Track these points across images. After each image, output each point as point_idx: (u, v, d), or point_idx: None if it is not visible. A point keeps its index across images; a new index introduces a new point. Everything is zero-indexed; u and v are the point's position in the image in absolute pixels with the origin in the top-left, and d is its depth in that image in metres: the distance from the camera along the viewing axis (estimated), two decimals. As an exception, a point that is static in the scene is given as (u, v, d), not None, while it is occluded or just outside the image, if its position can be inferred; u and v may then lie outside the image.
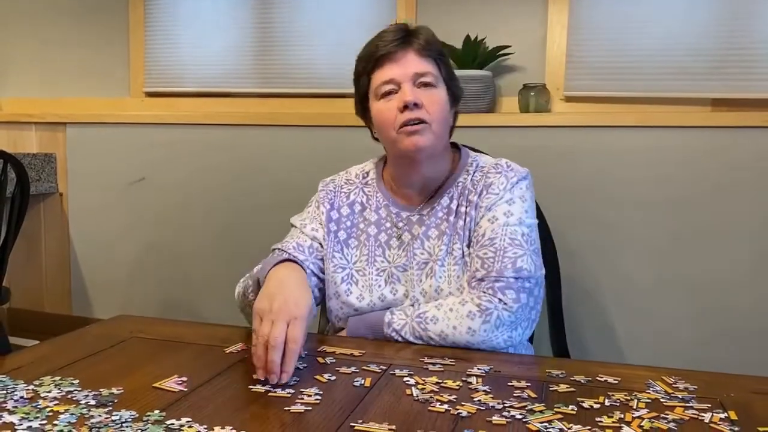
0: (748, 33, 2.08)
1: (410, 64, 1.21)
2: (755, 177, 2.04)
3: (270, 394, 0.90)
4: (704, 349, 2.11)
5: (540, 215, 1.53)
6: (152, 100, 2.79)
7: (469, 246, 1.23)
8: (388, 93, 1.22)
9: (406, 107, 1.19)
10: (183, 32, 2.72)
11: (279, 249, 1.28)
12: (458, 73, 2.18)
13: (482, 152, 1.45)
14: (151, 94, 2.79)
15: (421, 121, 1.20)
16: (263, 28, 2.61)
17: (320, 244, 1.30)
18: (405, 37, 1.23)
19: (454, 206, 1.27)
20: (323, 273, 1.30)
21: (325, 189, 1.36)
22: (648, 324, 2.16)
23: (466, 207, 1.25)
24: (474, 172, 1.29)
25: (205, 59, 2.70)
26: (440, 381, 0.96)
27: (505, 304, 1.14)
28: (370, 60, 1.24)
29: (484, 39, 2.24)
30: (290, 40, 2.58)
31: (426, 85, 1.22)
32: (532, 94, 2.22)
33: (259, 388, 0.92)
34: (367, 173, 1.38)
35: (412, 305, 1.22)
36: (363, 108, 1.31)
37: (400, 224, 1.29)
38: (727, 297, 2.09)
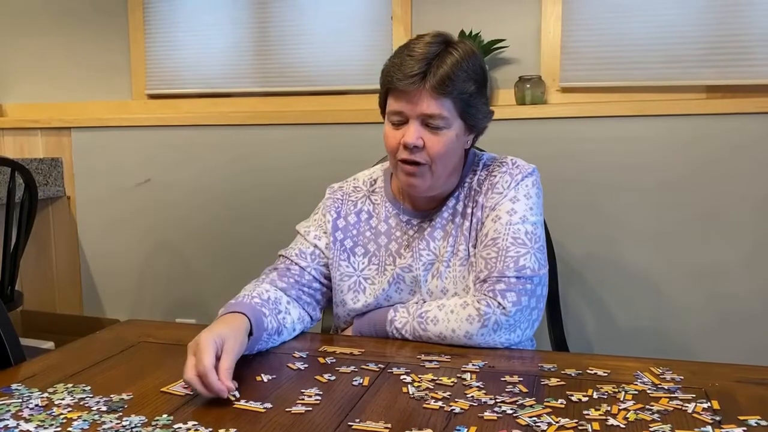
0: (740, 19, 2.09)
1: (422, 104, 1.17)
2: (751, 163, 2.07)
3: (240, 407, 0.90)
4: (703, 335, 2.15)
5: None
6: (154, 102, 2.82)
7: (475, 247, 1.24)
8: (397, 121, 1.21)
9: (406, 146, 1.19)
10: (182, 33, 2.75)
11: (283, 256, 1.31)
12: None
13: (484, 151, 1.48)
14: (153, 96, 2.82)
15: (419, 164, 1.19)
16: (262, 27, 2.64)
17: (322, 252, 1.31)
18: (425, 71, 1.16)
19: (460, 207, 1.27)
20: (326, 278, 1.32)
21: (333, 196, 1.36)
22: (647, 312, 2.19)
23: (473, 208, 1.26)
24: (480, 171, 1.29)
25: (204, 60, 2.73)
26: (436, 378, 1.00)
27: (503, 308, 1.15)
28: (386, 83, 1.21)
29: (478, 33, 2.26)
30: (289, 39, 2.61)
31: (434, 126, 1.19)
32: (528, 86, 2.24)
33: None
34: (375, 180, 1.37)
35: (416, 302, 1.24)
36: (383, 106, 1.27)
37: (411, 231, 1.30)
38: (726, 282, 2.11)
